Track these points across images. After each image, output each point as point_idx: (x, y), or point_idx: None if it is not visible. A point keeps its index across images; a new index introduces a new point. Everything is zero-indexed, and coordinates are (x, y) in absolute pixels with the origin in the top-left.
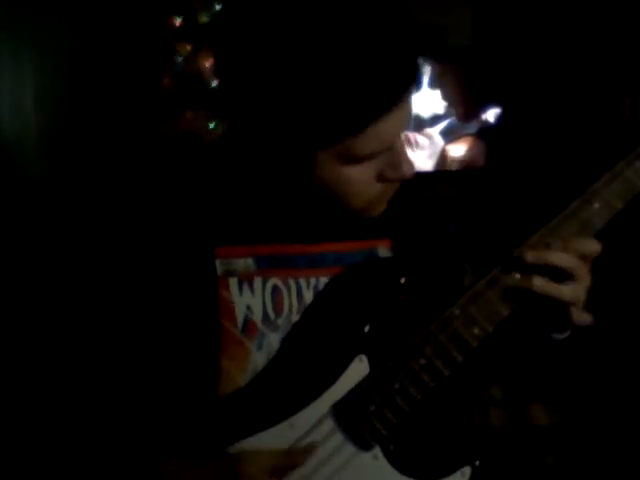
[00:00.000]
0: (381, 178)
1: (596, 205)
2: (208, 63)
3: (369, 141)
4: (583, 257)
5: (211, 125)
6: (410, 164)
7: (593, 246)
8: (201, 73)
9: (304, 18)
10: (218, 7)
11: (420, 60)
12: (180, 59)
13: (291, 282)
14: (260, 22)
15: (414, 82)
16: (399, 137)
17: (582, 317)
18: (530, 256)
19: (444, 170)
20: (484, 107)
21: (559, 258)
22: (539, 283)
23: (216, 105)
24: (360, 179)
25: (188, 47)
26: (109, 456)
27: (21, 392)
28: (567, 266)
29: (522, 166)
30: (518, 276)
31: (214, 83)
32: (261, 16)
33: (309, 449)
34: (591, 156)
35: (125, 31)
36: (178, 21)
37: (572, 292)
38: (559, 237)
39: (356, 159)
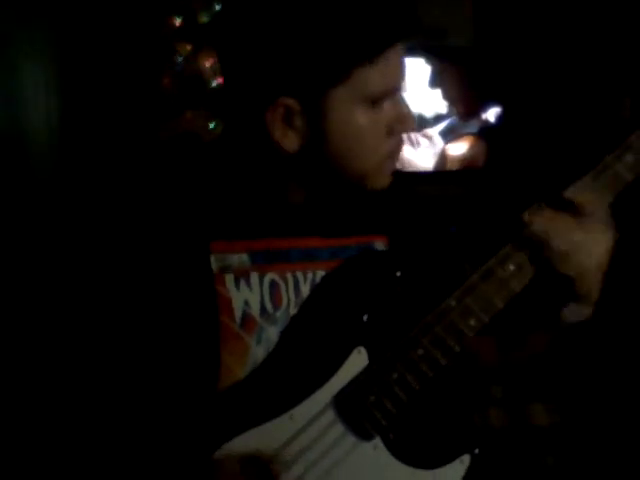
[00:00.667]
0: (390, 132)
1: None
2: (208, 63)
3: (380, 75)
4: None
5: (211, 125)
6: (413, 117)
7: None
8: (201, 73)
9: None
10: (218, 7)
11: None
12: (180, 59)
13: (288, 276)
14: None
15: (418, 20)
16: (402, 83)
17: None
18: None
19: (443, 170)
20: (485, 105)
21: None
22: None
23: (219, 102)
24: (372, 129)
25: (188, 47)
26: (109, 452)
27: (18, 385)
28: (580, 200)
29: (523, 165)
30: (513, 267)
31: (214, 83)
32: None
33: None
34: (591, 156)
35: (125, 31)
36: (178, 21)
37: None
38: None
39: (369, 98)
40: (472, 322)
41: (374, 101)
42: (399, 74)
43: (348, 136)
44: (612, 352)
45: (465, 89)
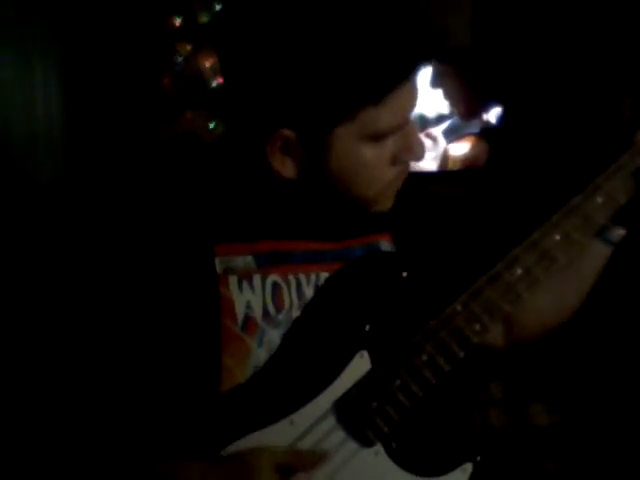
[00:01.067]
0: (395, 161)
1: (599, 200)
2: (208, 63)
3: (386, 114)
4: None
5: (211, 125)
6: (422, 145)
7: None
8: (201, 73)
9: None
10: (218, 7)
11: (433, 33)
12: (180, 59)
13: (291, 278)
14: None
15: (430, 52)
16: (411, 115)
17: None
18: None
19: (446, 170)
20: (486, 105)
21: None
22: None
23: (219, 102)
24: (376, 160)
25: (188, 47)
26: (110, 453)
27: (20, 386)
28: None
29: (524, 166)
30: (520, 272)
31: (214, 83)
32: None
33: (320, 454)
34: (591, 156)
35: (125, 31)
36: (178, 21)
37: None
38: (561, 232)
39: (374, 136)
40: (477, 327)
41: (380, 137)
42: (408, 109)
43: (351, 168)
44: (612, 352)
45: (466, 89)
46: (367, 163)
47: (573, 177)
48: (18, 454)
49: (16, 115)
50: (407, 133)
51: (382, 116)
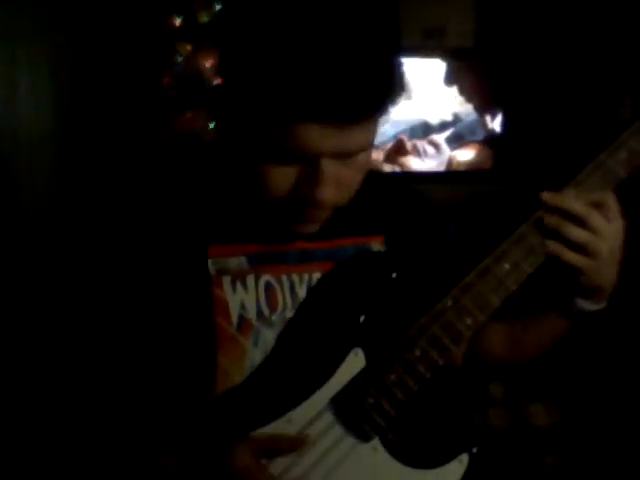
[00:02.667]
0: (295, 191)
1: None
2: (208, 63)
3: (290, 138)
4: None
5: (211, 125)
6: (325, 192)
7: (605, 196)
8: (201, 73)
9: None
10: (218, 7)
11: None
12: (180, 59)
13: (284, 278)
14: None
15: (340, 112)
16: (326, 155)
17: (598, 274)
18: (547, 197)
19: (444, 171)
20: (502, 99)
21: (573, 203)
22: (553, 221)
23: (212, 103)
24: (276, 177)
25: (188, 47)
26: (105, 454)
27: (21, 396)
28: (579, 212)
29: (523, 166)
30: (508, 266)
31: (214, 83)
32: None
33: (302, 437)
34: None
35: (125, 31)
36: (178, 21)
37: (586, 238)
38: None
39: (278, 153)
40: (469, 321)
41: (286, 158)
42: (320, 148)
43: (253, 175)
44: (612, 352)
45: (481, 82)
46: (268, 174)
47: (571, 178)
48: (15, 452)
49: (12, 114)
50: (316, 170)
51: (290, 137)
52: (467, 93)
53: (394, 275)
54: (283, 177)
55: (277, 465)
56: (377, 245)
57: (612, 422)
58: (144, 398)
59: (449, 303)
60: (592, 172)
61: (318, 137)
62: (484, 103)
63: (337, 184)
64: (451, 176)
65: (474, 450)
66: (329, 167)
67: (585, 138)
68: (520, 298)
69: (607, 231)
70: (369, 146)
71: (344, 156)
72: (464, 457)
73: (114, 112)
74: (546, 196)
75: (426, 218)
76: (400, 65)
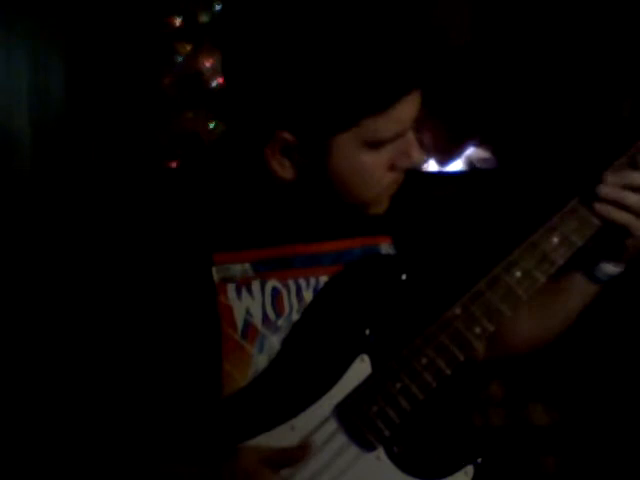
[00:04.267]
0: (393, 167)
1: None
2: (208, 63)
3: (389, 123)
4: None
5: (211, 125)
6: (420, 152)
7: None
8: (201, 73)
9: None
10: (218, 7)
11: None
12: (180, 59)
13: (290, 282)
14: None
15: (435, 67)
16: (412, 122)
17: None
18: (610, 178)
19: (447, 172)
20: (464, 146)
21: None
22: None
23: (219, 103)
24: (374, 166)
25: (188, 47)
26: (112, 461)
27: (27, 402)
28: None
29: (524, 168)
30: (519, 274)
31: (214, 83)
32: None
33: (306, 446)
34: (591, 157)
35: (125, 31)
36: (178, 21)
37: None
38: (560, 235)
39: (375, 143)
40: (477, 330)
41: (380, 144)
42: (410, 118)
43: (349, 172)
44: (612, 352)
45: (442, 133)
46: (365, 169)
47: (573, 179)
48: (18, 457)
49: (11, 114)
50: (406, 140)
51: (383, 126)
52: (428, 146)
53: (404, 277)
54: (381, 164)
55: (279, 473)
56: (385, 246)
57: (612, 422)
58: (150, 405)
59: (458, 312)
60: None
61: (413, 107)
62: (445, 155)
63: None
64: (458, 176)
65: (479, 461)
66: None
67: (585, 140)
68: None
69: None
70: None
71: (414, 121)
72: (469, 469)
73: (114, 112)
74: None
75: (434, 218)
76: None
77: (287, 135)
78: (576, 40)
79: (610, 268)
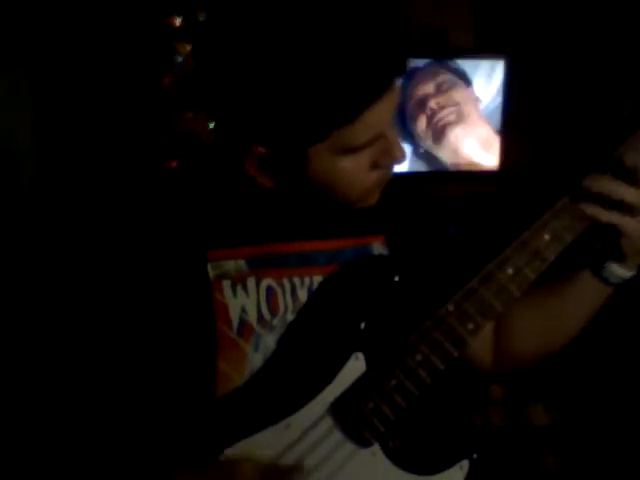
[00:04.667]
0: (375, 165)
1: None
2: None
3: (361, 130)
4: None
5: (211, 125)
6: (401, 148)
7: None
8: None
9: (289, 12)
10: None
11: (405, 46)
12: (180, 59)
13: (285, 282)
14: (244, 19)
15: (402, 67)
16: (390, 122)
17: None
18: (588, 183)
19: (443, 170)
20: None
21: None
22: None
23: (206, 105)
24: (355, 170)
25: (188, 47)
26: (106, 459)
27: (20, 399)
28: (630, 200)
29: (525, 168)
30: (511, 271)
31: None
32: (245, 13)
33: (304, 468)
34: (591, 157)
35: (125, 31)
36: (178, 21)
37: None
38: (551, 232)
39: (350, 150)
40: (471, 326)
41: (358, 149)
42: (383, 121)
43: (330, 178)
44: (612, 352)
45: None
46: (346, 173)
47: (571, 179)
48: (14, 457)
49: (12, 113)
50: (386, 138)
51: (358, 132)
52: None
53: (397, 278)
54: (361, 166)
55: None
56: (378, 245)
57: (612, 422)
58: (143, 403)
59: (451, 308)
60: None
61: (388, 109)
62: None
63: None
64: (452, 176)
65: (474, 456)
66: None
67: (585, 140)
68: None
69: None
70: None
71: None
72: (464, 463)
73: (113, 112)
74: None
75: (427, 217)
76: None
77: (262, 149)
78: (576, 40)
79: (618, 269)
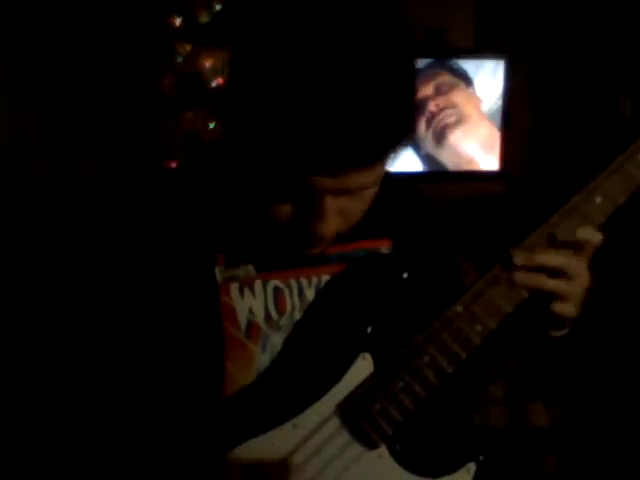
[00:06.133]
0: (297, 219)
1: (598, 199)
2: (208, 63)
3: (294, 177)
4: (577, 248)
5: (211, 125)
6: (327, 226)
7: (585, 234)
8: (201, 73)
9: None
10: (218, 7)
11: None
12: (180, 59)
13: (292, 282)
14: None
15: (353, 161)
16: (333, 194)
17: (569, 311)
18: (518, 258)
19: (447, 171)
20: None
21: (546, 258)
22: (526, 280)
23: (215, 106)
24: (278, 205)
25: (188, 47)
26: (112, 458)
27: (25, 396)
28: (555, 264)
29: (525, 168)
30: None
31: (214, 83)
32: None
33: (289, 466)
34: (591, 157)
35: (125, 31)
36: (178, 21)
37: (564, 287)
38: (559, 233)
39: (278, 180)
40: (479, 328)
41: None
42: (320, 187)
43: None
44: (612, 352)
45: None
46: (269, 203)
47: (573, 178)
48: (18, 455)
49: (13, 113)
50: (319, 203)
51: (292, 177)
52: None
53: (405, 275)
54: (285, 207)
55: (281, 472)
56: (385, 249)
57: (612, 422)
58: (150, 404)
59: (459, 309)
60: (610, 175)
61: (321, 180)
62: None
63: (341, 215)
64: (454, 176)
65: (481, 458)
66: (333, 202)
67: (585, 139)
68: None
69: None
70: (376, 183)
71: (350, 192)
72: (471, 466)
73: (113, 112)
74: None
75: (433, 221)
76: (412, 106)
77: None
78: (576, 40)
79: (555, 333)
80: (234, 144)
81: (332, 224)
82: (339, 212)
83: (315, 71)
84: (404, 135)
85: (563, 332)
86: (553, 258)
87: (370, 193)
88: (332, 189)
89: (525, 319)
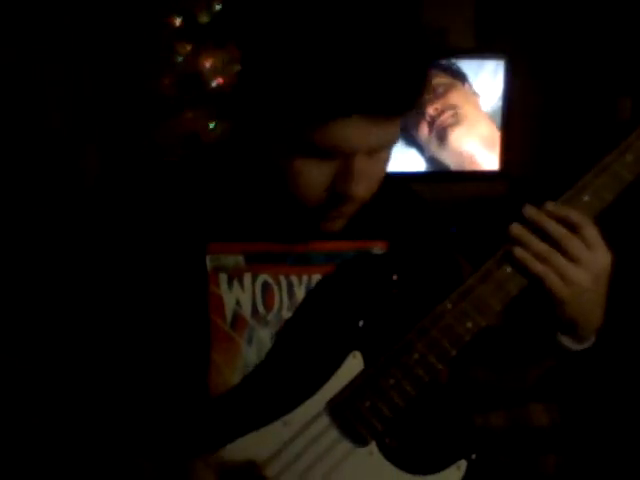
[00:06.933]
0: (330, 187)
1: (585, 197)
2: (208, 63)
3: (327, 136)
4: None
5: (211, 125)
6: (360, 187)
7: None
8: (201, 73)
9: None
10: (218, 7)
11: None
12: (180, 59)
13: (282, 278)
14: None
15: (390, 106)
16: (361, 151)
17: (567, 294)
18: (528, 211)
19: (443, 171)
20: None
21: (549, 225)
22: (520, 254)
23: (221, 104)
24: (305, 175)
25: (188, 47)
26: (98, 451)
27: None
28: (555, 233)
29: (525, 168)
30: (509, 270)
31: (214, 83)
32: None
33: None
34: (591, 157)
35: (125, 31)
36: (178, 21)
37: (562, 262)
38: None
39: (307, 150)
40: (469, 325)
41: (315, 154)
42: (354, 144)
43: (282, 173)
44: (612, 352)
45: None
46: (296, 174)
47: (572, 180)
48: (12, 453)
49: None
50: (350, 166)
51: (323, 136)
52: None
53: (395, 277)
54: (316, 175)
55: (271, 468)
56: (378, 250)
57: (612, 422)
58: (137, 395)
59: (449, 306)
60: (598, 174)
61: (356, 134)
62: None
63: (368, 179)
64: (456, 176)
65: (473, 457)
66: (362, 163)
67: (585, 140)
68: (503, 337)
69: (587, 259)
70: (394, 143)
71: (376, 151)
72: (462, 463)
73: (113, 112)
74: (529, 212)
75: (429, 222)
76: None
77: None
78: (576, 40)
79: (568, 343)
80: (262, 115)
81: (363, 184)
82: (367, 174)
83: (352, 17)
84: (421, 91)
85: (582, 345)
86: (554, 227)
87: (388, 155)
88: (365, 146)
89: (533, 325)
